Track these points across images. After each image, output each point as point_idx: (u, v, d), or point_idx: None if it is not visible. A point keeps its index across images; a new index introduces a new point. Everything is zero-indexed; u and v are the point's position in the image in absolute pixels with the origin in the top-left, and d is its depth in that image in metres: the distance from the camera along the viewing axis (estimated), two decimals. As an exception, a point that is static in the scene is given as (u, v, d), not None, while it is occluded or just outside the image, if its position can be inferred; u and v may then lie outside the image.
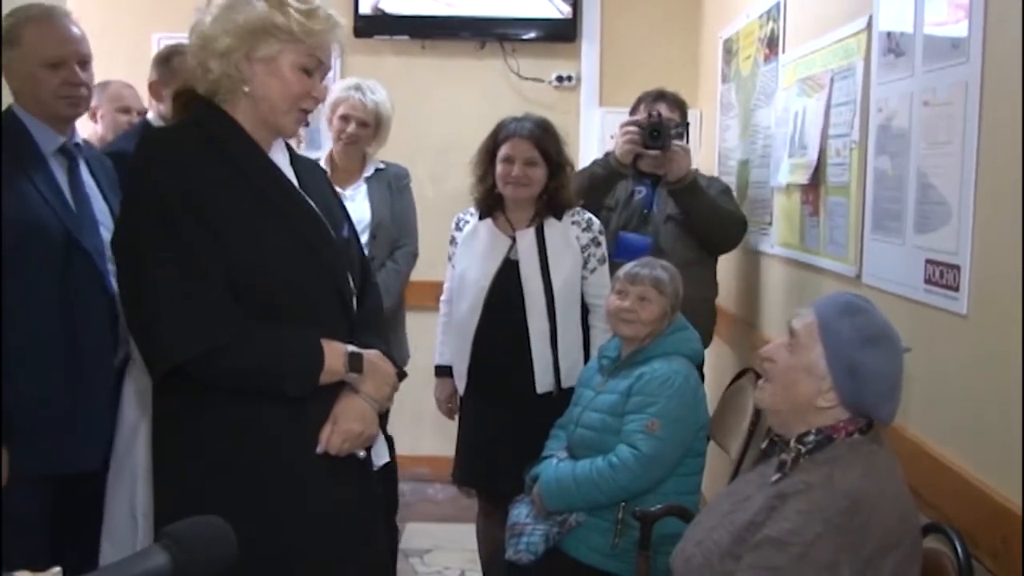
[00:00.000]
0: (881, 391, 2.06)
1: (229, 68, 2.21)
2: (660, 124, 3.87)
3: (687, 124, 4.05)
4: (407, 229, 4.29)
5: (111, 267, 2.65)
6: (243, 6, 2.20)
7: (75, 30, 2.86)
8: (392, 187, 4.28)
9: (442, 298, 3.83)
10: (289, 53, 2.22)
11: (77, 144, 2.88)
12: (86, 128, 4.35)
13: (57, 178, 2.78)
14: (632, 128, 3.88)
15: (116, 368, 2.85)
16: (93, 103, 4.31)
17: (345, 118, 4.07)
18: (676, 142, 3.87)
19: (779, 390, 2.15)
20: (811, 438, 2.08)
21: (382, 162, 4.29)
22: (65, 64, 2.79)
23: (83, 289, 2.72)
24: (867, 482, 1.98)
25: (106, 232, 2.76)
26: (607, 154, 4.02)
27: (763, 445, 2.25)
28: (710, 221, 3.94)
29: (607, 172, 3.96)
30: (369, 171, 4.17)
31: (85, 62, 2.86)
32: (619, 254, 3.79)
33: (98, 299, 2.75)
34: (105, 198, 2.90)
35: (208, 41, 2.21)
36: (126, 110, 4.32)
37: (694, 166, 3.96)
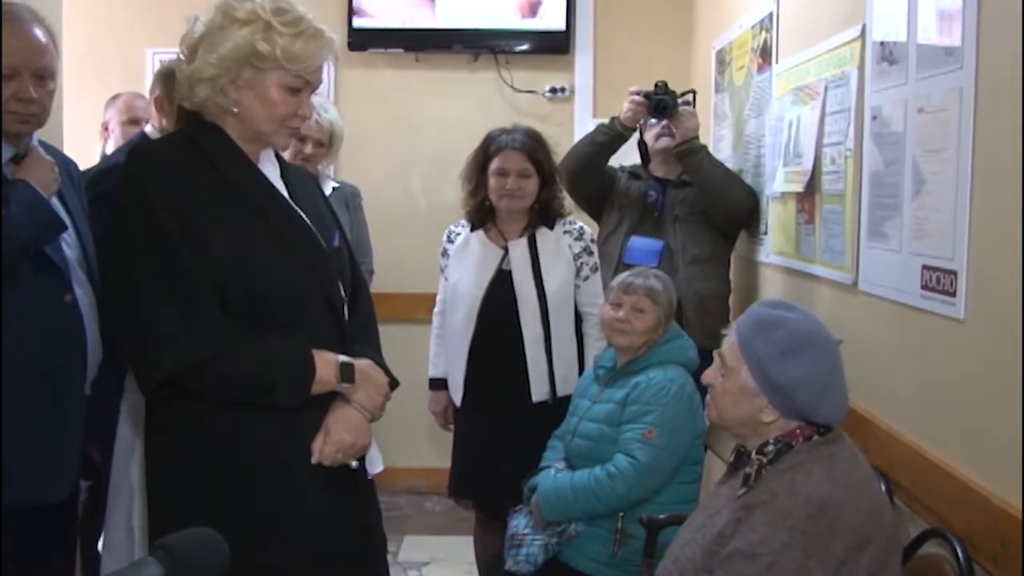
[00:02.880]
0: (812, 398, 2.08)
1: (215, 94, 2.22)
2: (665, 97, 3.98)
3: (694, 92, 4.18)
4: (363, 248, 4.36)
5: (78, 287, 2.55)
6: (227, 33, 2.19)
7: (38, 38, 2.50)
8: (349, 206, 4.32)
9: (435, 310, 3.84)
10: (274, 77, 2.22)
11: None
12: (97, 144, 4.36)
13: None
14: (638, 98, 3.96)
15: (89, 390, 2.63)
16: (104, 117, 4.31)
17: (302, 139, 3.99)
18: (683, 108, 3.98)
19: (723, 411, 2.20)
20: (771, 448, 2.12)
21: (335, 181, 4.32)
22: (17, 76, 2.46)
23: (50, 307, 2.49)
24: (830, 485, 2.00)
25: (69, 246, 2.59)
26: (613, 119, 4.07)
27: (731, 458, 2.27)
28: (717, 182, 4.01)
29: (610, 137, 4.03)
30: (328, 190, 4.16)
31: (42, 76, 2.52)
32: (630, 257, 3.82)
33: (66, 318, 2.53)
34: (67, 208, 2.65)
35: (194, 69, 2.22)
36: (135, 121, 4.29)
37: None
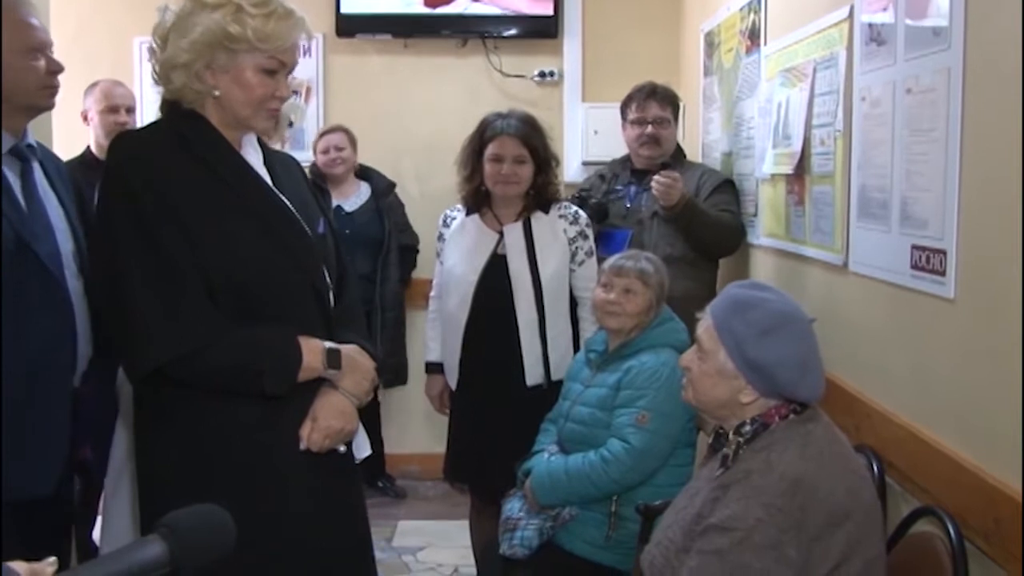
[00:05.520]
0: (792, 376, 2.09)
1: (191, 80, 2.22)
2: (599, 202, 4.06)
3: (669, 164, 4.06)
4: None
5: (71, 279, 2.54)
6: (198, 18, 2.19)
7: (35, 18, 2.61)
8: None
9: (431, 294, 3.84)
10: (249, 59, 2.22)
11: (30, 145, 2.63)
12: (83, 133, 4.34)
13: (9, 181, 2.52)
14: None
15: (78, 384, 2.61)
16: (84, 105, 4.30)
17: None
18: (660, 175, 3.91)
19: (701, 394, 2.21)
20: (747, 428, 2.13)
21: None
22: (44, 51, 2.58)
23: (36, 300, 2.47)
24: (804, 463, 2.02)
25: (63, 238, 2.59)
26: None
27: (710, 441, 2.28)
28: (707, 237, 4.03)
29: None
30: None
31: (52, 49, 2.64)
32: (602, 249, 3.82)
33: (54, 311, 2.50)
34: (61, 201, 2.67)
35: (168, 56, 2.22)
36: (113, 109, 4.28)
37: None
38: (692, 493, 2.23)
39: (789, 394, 2.10)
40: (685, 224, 3.96)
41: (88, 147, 4.22)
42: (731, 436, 2.15)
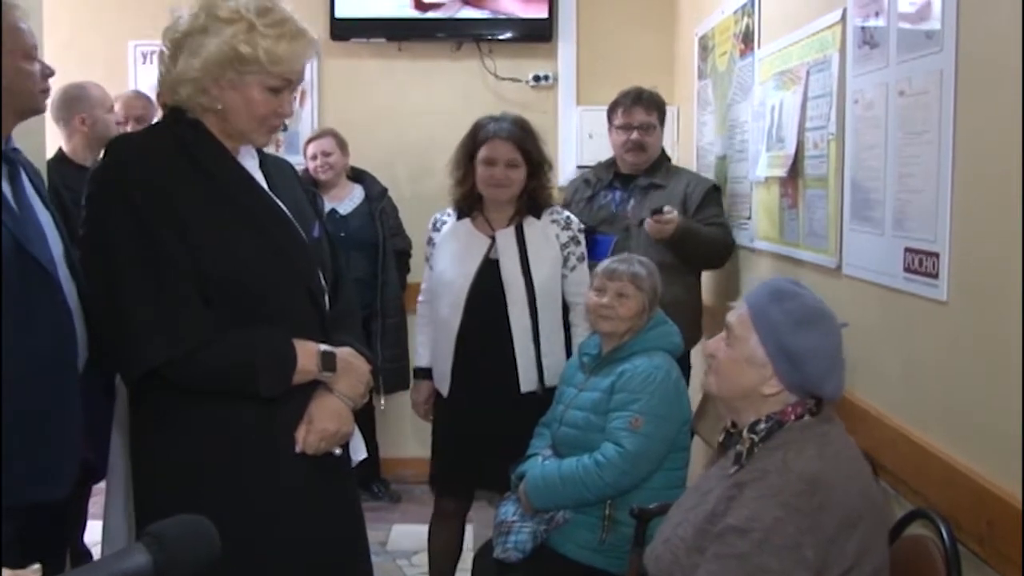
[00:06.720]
0: (821, 370, 2.10)
1: (196, 93, 2.22)
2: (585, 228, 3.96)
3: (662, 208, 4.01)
4: None
5: (63, 282, 2.53)
6: (210, 35, 2.18)
7: None
8: None
9: (420, 299, 3.81)
10: (257, 79, 2.22)
11: (15, 149, 2.63)
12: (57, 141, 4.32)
13: (2, 186, 2.50)
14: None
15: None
16: (71, 111, 4.27)
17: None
18: (652, 220, 3.89)
19: (724, 382, 2.21)
20: (762, 426, 2.13)
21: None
22: (36, 55, 2.59)
23: (40, 303, 2.45)
24: (822, 463, 2.02)
25: (53, 241, 2.59)
26: None
27: (720, 438, 2.28)
28: (698, 256, 4.06)
29: None
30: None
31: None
32: (590, 256, 3.82)
33: (56, 314, 2.49)
34: (44, 204, 2.67)
35: (179, 73, 2.22)
36: (111, 109, 4.29)
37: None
38: (703, 491, 2.21)
39: (815, 388, 2.11)
40: (679, 248, 3.97)
41: (60, 148, 4.20)
42: (744, 434, 2.14)
